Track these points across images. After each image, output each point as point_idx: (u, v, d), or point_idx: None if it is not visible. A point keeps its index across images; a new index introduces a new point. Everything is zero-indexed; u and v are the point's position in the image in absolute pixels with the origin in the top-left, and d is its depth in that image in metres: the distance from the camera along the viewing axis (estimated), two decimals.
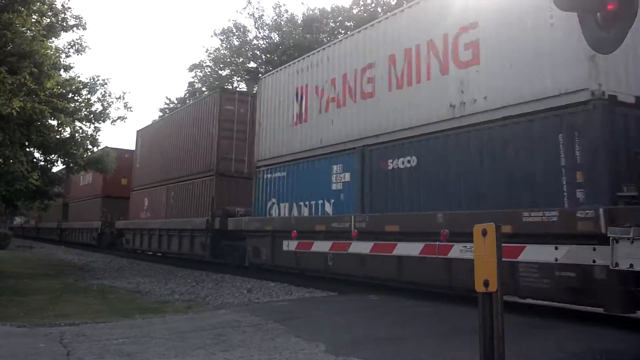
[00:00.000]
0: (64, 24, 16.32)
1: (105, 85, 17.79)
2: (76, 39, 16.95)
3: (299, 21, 40.89)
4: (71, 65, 17.87)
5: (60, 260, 24.53)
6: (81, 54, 16.90)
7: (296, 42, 37.13)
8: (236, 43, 43.50)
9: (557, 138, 8.04)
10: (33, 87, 13.12)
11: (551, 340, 6.53)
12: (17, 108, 12.11)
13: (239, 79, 43.84)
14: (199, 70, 46.84)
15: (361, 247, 10.93)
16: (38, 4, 14.74)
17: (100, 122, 17.53)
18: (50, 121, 15.60)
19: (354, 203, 12.03)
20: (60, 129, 16.47)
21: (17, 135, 13.70)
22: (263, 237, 14.94)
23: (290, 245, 12.89)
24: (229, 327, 7.39)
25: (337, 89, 12.93)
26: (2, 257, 23.74)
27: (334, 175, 12.75)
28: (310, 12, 40.56)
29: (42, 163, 17.41)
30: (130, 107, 18.17)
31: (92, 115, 17.35)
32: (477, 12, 9.55)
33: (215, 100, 20.05)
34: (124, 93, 18.50)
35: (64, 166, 18.41)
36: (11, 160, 13.41)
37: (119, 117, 18.02)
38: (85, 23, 16.71)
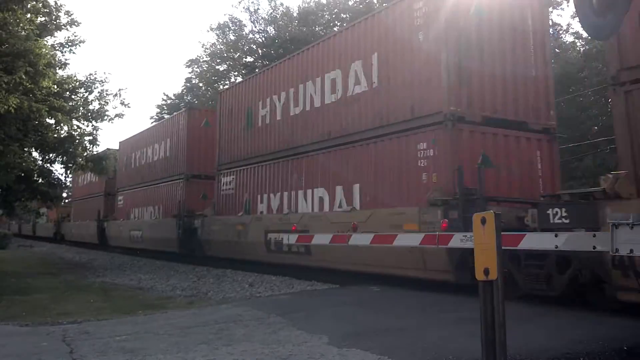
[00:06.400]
0: (57, 22, 16.25)
1: (103, 83, 17.77)
2: (69, 37, 16.95)
3: (295, 14, 40.78)
4: (67, 62, 17.74)
5: (61, 258, 24.54)
6: (77, 47, 16.89)
7: (292, 35, 37.00)
8: (232, 38, 43.40)
9: None
10: (29, 86, 13.05)
11: (552, 327, 6.56)
12: (14, 105, 12.04)
13: (236, 73, 43.69)
14: (196, 66, 46.74)
15: (361, 239, 10.93)
16: (33, 2, 14.65)
17: (98, 120, 17.48)
18: (47, 120, 15.53)
19: None
20: (57, 128, 16.42)
21: (13, 130, 13.66)
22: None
23: (290, 238, 12.91)
24: (232, 322, 7.42)
25: None
26: (3, 256, 23.77)
27: None
28: (306, 5, 40.50)
29: (40, 162, 17.38)
30: (127, 104, 18.10)
31: (90, 114, 17.28)
32: None
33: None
34: (120, 90, 18.47)
35: (62, 165, 18.37)
36: (7, 154, 13.36)
37: (116, 115, 18.00)
38: (77, 20, 16.70)
